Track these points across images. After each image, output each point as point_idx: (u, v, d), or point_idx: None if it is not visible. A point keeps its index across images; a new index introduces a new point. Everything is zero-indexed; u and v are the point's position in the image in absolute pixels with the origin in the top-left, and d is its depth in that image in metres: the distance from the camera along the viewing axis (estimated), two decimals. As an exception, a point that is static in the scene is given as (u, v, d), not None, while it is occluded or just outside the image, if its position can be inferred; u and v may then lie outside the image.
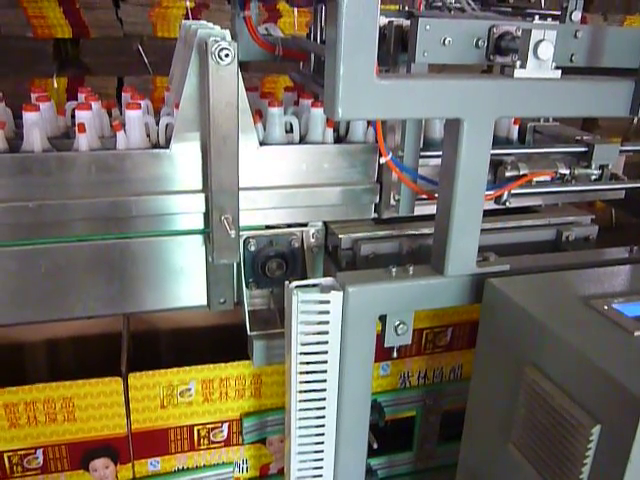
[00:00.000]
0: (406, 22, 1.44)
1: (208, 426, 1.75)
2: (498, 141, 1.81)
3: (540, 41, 1.23)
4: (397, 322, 1.44)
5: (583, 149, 1.66)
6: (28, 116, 1.45)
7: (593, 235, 1.81)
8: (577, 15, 1.41)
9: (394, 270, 1.41)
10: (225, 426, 1.76)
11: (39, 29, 3.45)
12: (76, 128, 1.47)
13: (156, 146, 1.55)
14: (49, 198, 1.46)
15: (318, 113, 1.60)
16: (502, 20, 1.41)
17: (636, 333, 1.15)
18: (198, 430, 1.75)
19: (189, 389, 1.67)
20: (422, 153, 1.59)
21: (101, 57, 3.57)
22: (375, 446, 1.67)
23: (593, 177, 1.65)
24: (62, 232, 1.52)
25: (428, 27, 1.33)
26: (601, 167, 1.64)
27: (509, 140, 1.89)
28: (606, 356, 1.09)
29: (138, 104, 1.52)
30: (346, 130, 1.69)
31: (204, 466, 1.81)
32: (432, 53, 1.35)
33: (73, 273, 1.57)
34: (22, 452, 1.63)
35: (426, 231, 1.67)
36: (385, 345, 1.47)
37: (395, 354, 1.55)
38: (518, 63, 1.26)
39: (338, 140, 1.68)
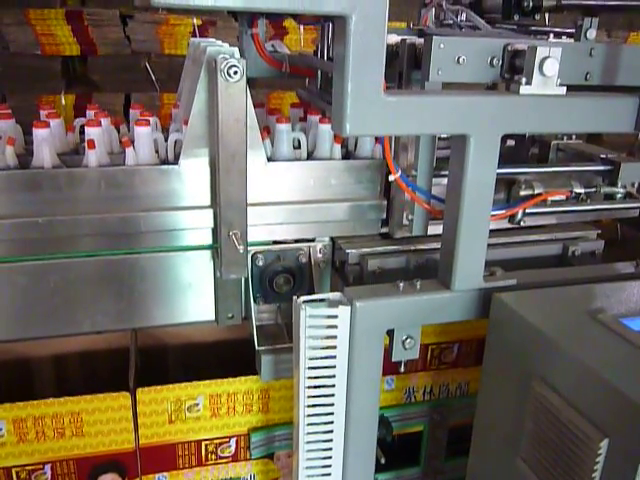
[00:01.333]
0: (419, 40, 1.45)
1: (216, 441, 1.75)
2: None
3: (545, 58, 1.25)
4: (405, 336, 1.44)
5: (609, 167, 1.66)
6: (38, 132, 1.46)
7: (599, 250, 1.82)
8: (592, 33, 1.42)
9: (401, 285, 1.42)
10: (233, 441, 1.76)
11: (47, 46, 3.50)
12: (85, 144, 1.48)
13: (165, 162, 1.57)
14: (59, 214, 1.48)
15: (326, 129, 1.62)
16: (517, 38, 1.41)
17: (643, 347, 1.16)
18: (206, 445, 1.75)
19: (197, 404, 1.68)
20: (435, 172, 1.58)
21: (109, 74, 3.62)
22: (383, 461, 1.67)
23: (618, 195, 1.64)
24: (71, 247, 1.53)
25: (442, 45, 1.32)
26: (624, 186, 1.63)
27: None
28: (613, 370, 1.10)
29: (147, 121, 1.54)
30: (355, 146, 1.70)
31: (211, 482, 1.81)
32: (446, 71, 1.34)
33: (82, 288, 1.58)
34: (30, 467, 1.63)
35: (433, 246, 1.67)
36: (393, 359, 1.47)
37: (402, 368, 1.55)
38: (524, 80, 1.28)
39: (347, 156, 1.69)
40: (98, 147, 1.49)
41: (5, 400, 1.56)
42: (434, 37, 1.32)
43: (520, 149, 1.97)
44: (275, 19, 3.07)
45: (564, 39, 1.44)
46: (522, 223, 1.60)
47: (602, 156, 1.73)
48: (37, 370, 1.97)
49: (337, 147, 1.64)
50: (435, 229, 1.62)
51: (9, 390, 1.63)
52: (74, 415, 1.60)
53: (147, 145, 1.53)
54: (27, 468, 1.63)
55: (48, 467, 1.64)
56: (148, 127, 1.53)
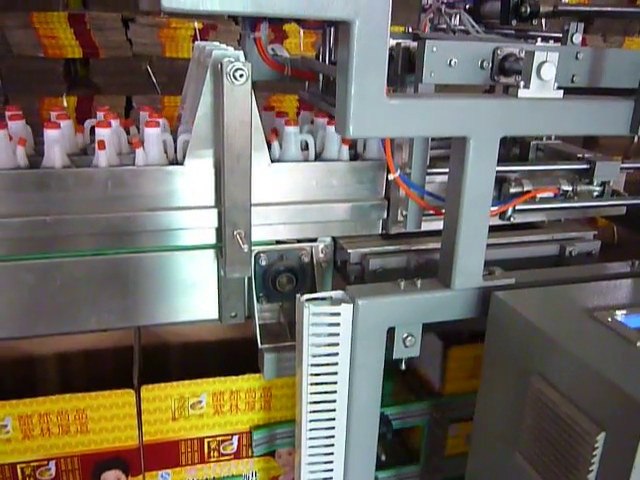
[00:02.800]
0: (413, 44, 1.49)
1: (218, 438, 1.77)
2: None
3: (543, 62, 1.28)
4: (405, 334, 1.47)
5: (585, 166, 1.70)
6: (49, 133, 1.49)
7: (595, 250, 1.85)
8: (578, 37, 1.46)
9: (402, 284, 1.45)
10: (235, 439, 1.79)
11: (50, 49, 3.52)
12: (95, 145, 1.51)
13: (173, 162, 1.59)
14: (66, 213, 1.50)
15: (334, 131, 1.65)
16: (506, 42, 1.46)
17: (638, 343, 1.18)
18: (208, 442, 1.77)
19: (200, 401, 1.70)
20: (429, 170, 1.63)
21: (110, 77, 3.64)
22: (383, 458, 1.69)
23: (595, 193, 1.69)
24: (78, 246, 1.56)
25: (435, 49, 1.38)
26: (602, 184, 1.68)
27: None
28: (610, 365, 1.13)
29: (157, 122, 1.57)
30: (363, 147, 1.74)
31: (214, 478, 1.83)
32: (438, 74, 1.40)
33: (88, 286, 1.60)
34: (35, 464, 1.65)
35: (433, 246, 1.70)
36: (394, 357, 1.50)
37: (403, 366, 1.57)
38: (522, 83, 1.31)
39: (355, 158, 1.73)
40: (108, 148, 1.51)
41: (10, 398, 1.58)
42: (427, 41, 1.37)
43: (502, 149, 2.01)
44: (277, 23, 3.09)
45: (551, 43, 1.48)
46: (512, 219, 1.63)
47: (579, 155, 1.77)
48: (41, 368, 1.99)
49: (345, 149, 1.67)
50: (429, 225, 1.70)
51: (14, 388, 1.64)
52: (79, 412, 1.62)
53: (157, 146, 1.55)
54: (32, 464, 1.65)
55: (52, 463, 1.67)
56: (158, 128, 1.55)
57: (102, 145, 1.49)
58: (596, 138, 3.66)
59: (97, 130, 1.53)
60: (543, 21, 1.99)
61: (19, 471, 1.65)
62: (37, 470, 1.67)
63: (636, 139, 1.51)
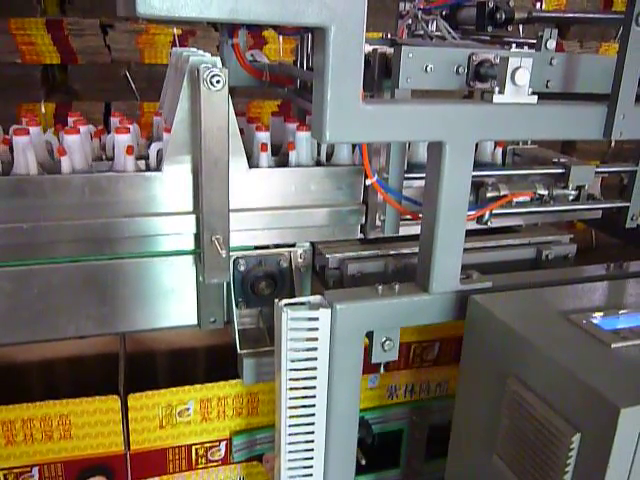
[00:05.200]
0: (389, 50, 1.50)
1: (206, 445, 1.77)
2: (482, 164, 1.87)
3: (517, 68, 1.30)
4: (384, 339, 1.48)
5: (560, 170, 1.72)
6: (18, 140, 1.47)
7: (572, 254, 1.87)
8: (552, 43, 1.48)
9: (380, 288, 1.46)
10: (222, 445, 1.78)
11: (27, 55, 3.49)
12: (55, 151, 1.50)
13: (147, 169, 1.59)
14: (43, 220, 1.49)
15: None
16: (481, 48, 1.48)
17: (613, 345, 1.20)
18: (196, 449, 1.76)
19: (187, 409, 1.70)
20: (406, 175, 1.64)
21: (89, 83, 3.61)
22: (363, 462, 1.70)
23: (570, 197, 1.71)
24: (55, 253, 1.54)
25: (411, 55, 1.39)
26: (578, 188, 1.70)
27: (493, 163, 1.94)
28: (585, 367, 1.14)
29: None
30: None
31: (201, 484, 1.83)
32: (415, 79, 1.41)
33: (66, 294, 1.59)
34: (18, 470, 1.64)
35: (411, 250, 1.72)
36: (372, 362, 1.50)
37: (382, 369, 1.58)
38: (497, 89, 1.33)
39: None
40: (77, 153, 1.51)
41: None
42: (403, 47, 1.38)
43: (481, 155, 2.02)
44: (255, 29, 3.10)
45: (526, 49, 1.50)
46: (489, 223, 1.65)
47: (554, 160, 1.79)
48: (26, 376, 1.98)
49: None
50: (407, 230, 1.70)
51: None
52: (62, 418, 1.61)
53: (78, 153, 1.53)
54: (14, 471, 1.64)
55: (36, 470, 1.65)
56: (77, 135, 1.54)
57: (63, 151, 1.48)
58: (574, 143, 3.70)
59: (64, 136, 1.53)
60: (520, 27, 2.02)
61: (2, 477, 1.64)
62: (20, 477, 1.65)
63: (613, 144, 1.52)
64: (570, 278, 1.57)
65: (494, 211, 1.64)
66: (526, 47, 1.51)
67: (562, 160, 1.76)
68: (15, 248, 1.51)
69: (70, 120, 1.75)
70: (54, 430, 1.61)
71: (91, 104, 3.59)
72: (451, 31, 1.72)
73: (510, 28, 1.77)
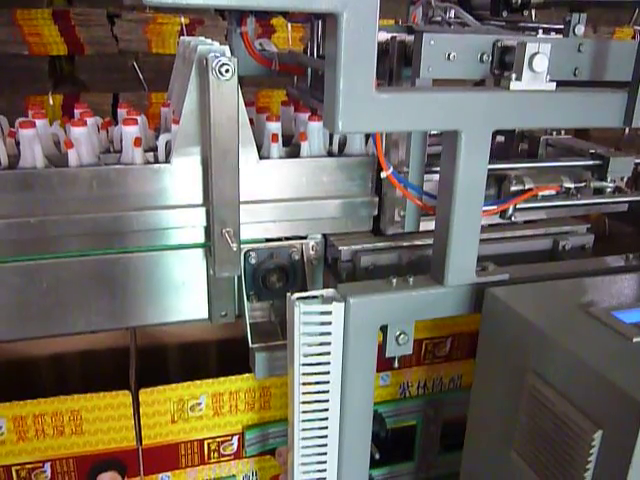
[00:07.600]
0: (409, 37, 1.46)
1: (218, 439, 1.76)
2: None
3: (535, 54, 1.26)
4: (398, 332, 1.45)
5: (598, 162, 1.66)
6: (24, 133, 1.45)
7: (589, 244, 1.83)
8: (580, 29, 1.42)
9: (394, 281, 1.43)
10: (235, 439, 1.78)
11: (35, 47, 3.48)
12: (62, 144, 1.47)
13: (156, 162, 1.57)
14: (50, 214, 1.47)
15: None
16: (506, 34, 1.42)
17: (635, 339, 1.17)
18: (208, 444, 1.76)
19: (199, 403, 1.69)
20: (427, 168, 1.59)
21: (96, 74, 3.61)
22: (377, 456, 1.68)
23: (608, 190, 1.65)
24: (64, 247, 1.53)
25: (433, 42, 1.33)
26: (613, 180, 1.65)
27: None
28: (606, 362, 1.11)
29: (134, 120, 1.54)
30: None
31: (214, 479, 1.81)
32: (437, 68, 1.35)
33: (75, 288, 1.57)
34: (30, 466, 1.64)
35: (425, 242, 1.68)
36: (386, 355, 1.48)
37: (396, 364, 1.55)
38: (514, 76, 1.29)
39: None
40: (84, 146, 1.48)
41: (4, 399, 1.56)
42: (424, 34, 1.33)
43: (510, 145, 1.98)
44: (263, 17, 3.06)
45: (553, 35, 1.45)
46: (513, 218, 1.61)
47: (592, 151, 1.74)
48: (37, 371, 1.98)
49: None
50: (427, 225, 1.63)
51: (9, 390, 1.62)
52: (74, 413, 1.60)
53: (84, 145, 1.50)
54: (27, 466, 1.64)
55: (48, 465, 1.65)
56: (84, 127, 1.51)
57: (70, 144, 1.46)
58: (587, 130, 3.65)
59: (71, 129, 1.50)
60: (533, 12, 1.97)
61: (14, 473, 1.64)
62: (32, 472, 1.65)
63: (627, 131, 1.48)
64: (589, 269, 1.53)
65: (518, 205, 1.59)
66: (552, 33, 1.45)
67: (599, 151, 1.71)
68: (23, 243, 1.49)
69: (77, 112, 1.72)
70: (65, 425, 1.61)
71: (99, 95, 3.58)
72: (471, 18, 1.67)
73: (525, 13, 1.73)
